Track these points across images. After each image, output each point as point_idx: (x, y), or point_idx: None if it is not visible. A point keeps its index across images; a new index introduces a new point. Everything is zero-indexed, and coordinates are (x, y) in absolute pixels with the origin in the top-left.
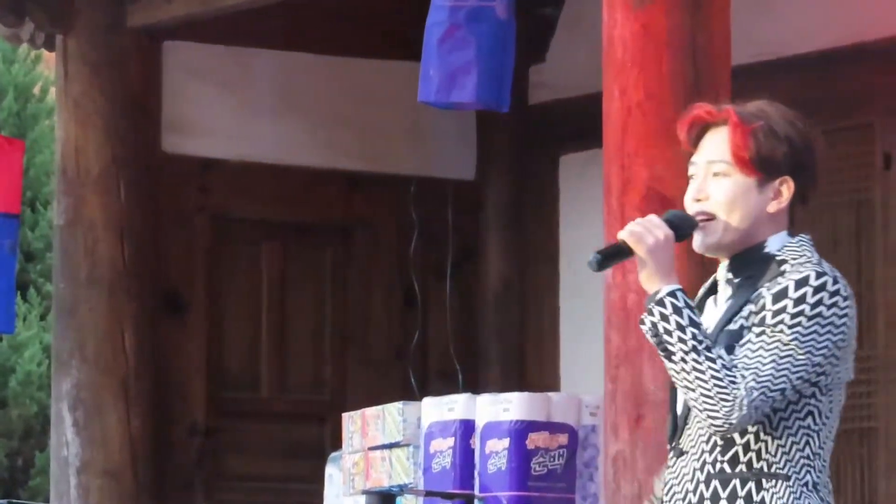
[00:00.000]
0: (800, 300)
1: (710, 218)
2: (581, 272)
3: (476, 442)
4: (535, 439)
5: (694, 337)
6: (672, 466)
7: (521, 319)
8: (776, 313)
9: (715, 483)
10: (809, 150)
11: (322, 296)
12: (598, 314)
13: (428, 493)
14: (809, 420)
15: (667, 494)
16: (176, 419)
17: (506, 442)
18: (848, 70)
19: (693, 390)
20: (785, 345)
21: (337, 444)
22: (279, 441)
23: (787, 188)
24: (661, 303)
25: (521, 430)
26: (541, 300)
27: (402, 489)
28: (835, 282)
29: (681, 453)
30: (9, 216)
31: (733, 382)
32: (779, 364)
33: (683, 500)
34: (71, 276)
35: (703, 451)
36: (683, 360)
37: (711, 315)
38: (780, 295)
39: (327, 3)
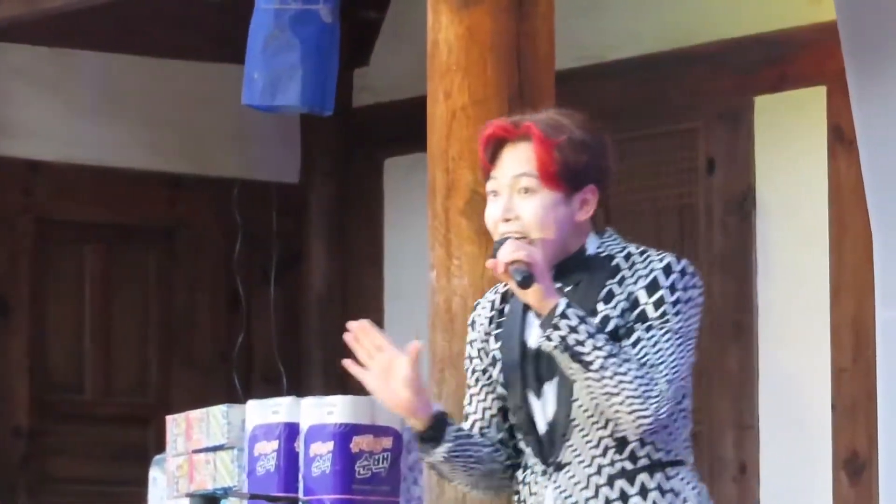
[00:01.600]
0: (672, 287)
1: (524, 237)
2: (405, 276)
3: (300, 445)
4: (359, 442)
5: (606, 342)
6: (554, 482)
7: (344, 322)
8: (656, 305)
9: (619, 483)
10: (607, 154)
11: (146, 298)
12: (423, 318)
13: (252, 496)
14: (685, 402)
15: None
16: None
17: (330, 445)
18: (672, 75)
19: (617, 395)
20: (676, 333)
21: (161, 446)
22: (104, 444)
23: (592, 196)
24: (564, 315)
25: (345, 434)
26: (365, 303)
27: (227, 492)
28: (689, 263)
29: (559, 467)
30: None
31: (653, 379)
32: (678, 352)
33: None
34: None
35: (593, 458)
36: (603, 367)
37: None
38: (653, 287)
39: (151, 6)
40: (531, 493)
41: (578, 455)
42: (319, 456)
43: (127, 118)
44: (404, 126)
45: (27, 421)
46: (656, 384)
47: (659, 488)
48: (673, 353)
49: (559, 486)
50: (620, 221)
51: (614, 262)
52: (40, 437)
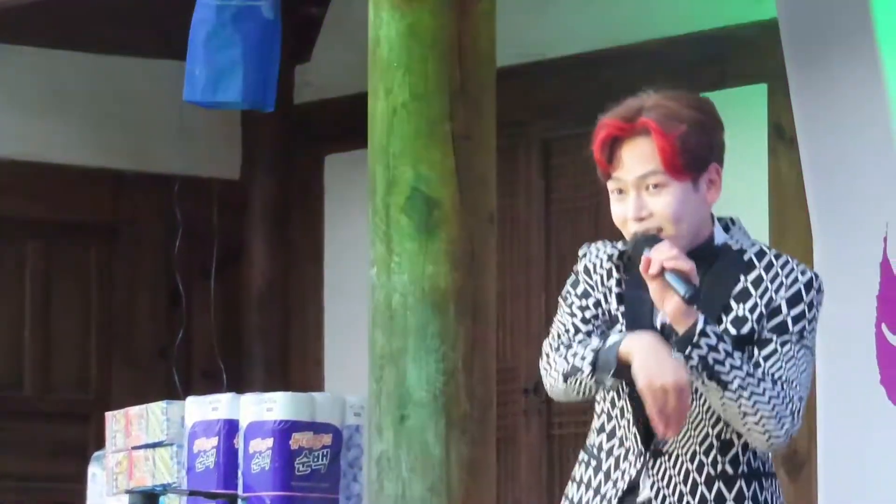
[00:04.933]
0: (811, 305)
1: (661, 231)
2: (345, 272)
3: (240, 442)
4: (298, 439)
5: (741, 360)
6: (653, 468)
7: (285, 319)
8: (796, 320)
9: (718, 484)
10: (720, 127)
11: (87, 295)
12: (363, 314)
13: (191, 493)
14: None
15: (655, 497)
16: None
17: (269, 441)
18: (613, 72)
19: (753, 414)
20: (809, 350)
21: (101, 443)
22: (43, 440)
23: (717, 175)
24: (704, 333)
25: (284, 430)
26: (305, 300)
27: (166, 488)
28: (822, 281)
29: (659, 454)
30: None
31: (787, 398)
32: (808, 371)
33: (679, 501)
34: None
35: (696, 453)
36: (741, 387)
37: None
38: (796, 300)
39: (93, 2)
40: (618, 469)
41: (684, 447)
42: (259, 453)
43: (69, 114)
44: (345, 122)
45: None
46: (791, 402)
47: (754, 498)
48: (805, 370)
49: (658, 474)
50: (563, 217)
51: (747, 257)
52: None
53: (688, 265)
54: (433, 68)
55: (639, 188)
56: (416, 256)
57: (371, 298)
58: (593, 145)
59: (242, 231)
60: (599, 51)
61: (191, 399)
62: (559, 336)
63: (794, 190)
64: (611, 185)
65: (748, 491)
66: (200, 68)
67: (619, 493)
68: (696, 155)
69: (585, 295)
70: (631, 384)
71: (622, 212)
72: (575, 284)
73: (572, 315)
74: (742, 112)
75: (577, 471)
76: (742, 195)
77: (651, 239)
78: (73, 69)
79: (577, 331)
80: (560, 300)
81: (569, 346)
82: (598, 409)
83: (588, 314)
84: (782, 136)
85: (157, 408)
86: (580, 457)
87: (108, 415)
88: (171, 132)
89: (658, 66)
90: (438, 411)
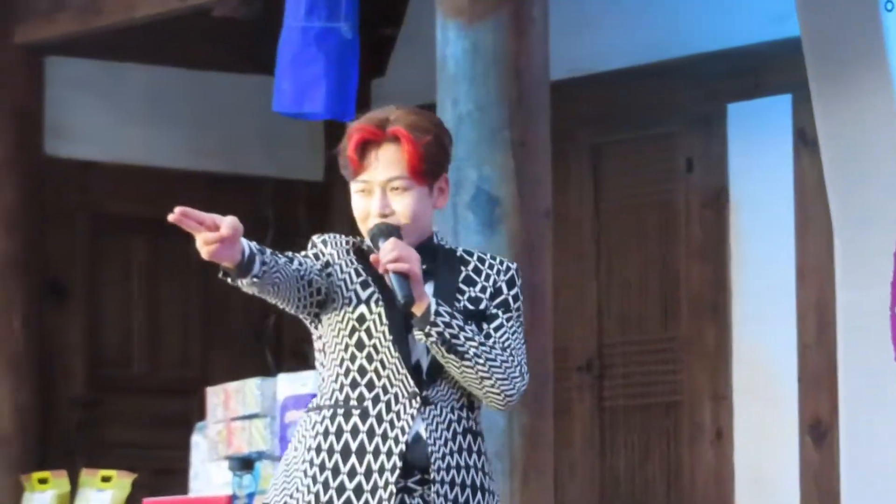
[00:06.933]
0: (521, 288)
1: (396, 227)
2: None
3: None
4: None
5: (473, 333)
6: (423, 413)
7: None
8: (514, 299)
9: (469, 437)
10: (450, 139)
11: (188, 285)
12: None
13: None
14: None
15: (428, 437)
16: (59, 393)
17: None
18: (654, 84)
19: (489, 377)
20: (521, 326)
21: (202, 415)
22: (151, 413)
23: (446, 184)
24: (438, 313)
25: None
26: None
27: (261, 455)
28: None
29: (427, 402)
30: None
31: (515, 361)
32: (524, 343)
33: (445, 445)
34: None
35: (454, 408)
36: (477, 355)
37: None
38: (511, 283)
39: (191, 24)
40: (391, 411)
41: (444, 400)
42: None
43: (170, 123)
44: None
45: (83, 392)
46: (519, 365)
47: (485, 454)
48: (523, 340)
49: (428, 419)
50: (611, 215)
51: (458, 254)
52: (94, 407)
53: (405, 267)
54: (494, 82)
55: (384, 189)
56: (480, 248)
57: None
58: (347, 147)
59: (325, 227)
60: (642, 66)
61: (282, 376)
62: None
63: (816, 188)
64: (356, 185)
65: (483, 446)
66: (287, 83)
67: (406, 427)
68: (435, 163)
69: (315, 257)
70: (393, 335)
71: (365, 207)
72: (306, 251)
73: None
74: (770, 119)
75: (317, 427)
76: (770, 193)
77: (386, 230)
78: (173, 83)
79: (304, 260)
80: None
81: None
82: (339, 370)
83: (306, 259)
84: (806, 141)
85: (252, 384)
86: (313, 418)
87: (209, 390)
88: (261, 139)
89: (693, 79)
90: None
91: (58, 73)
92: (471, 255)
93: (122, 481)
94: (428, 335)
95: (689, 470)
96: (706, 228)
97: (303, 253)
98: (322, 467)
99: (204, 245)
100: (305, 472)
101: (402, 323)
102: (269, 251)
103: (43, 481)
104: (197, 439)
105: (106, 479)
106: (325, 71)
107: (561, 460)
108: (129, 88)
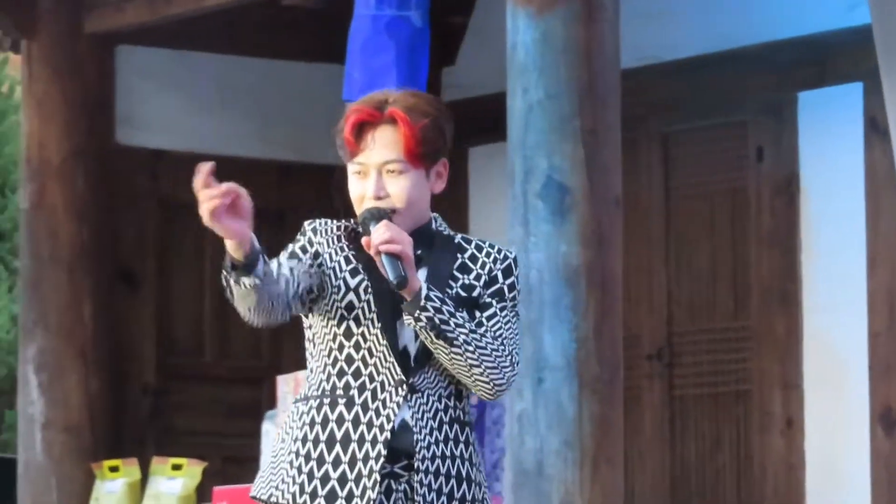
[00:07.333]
0: (518, 278)
1: (392, 210)
2: None
3: None
4: None
5: (464, 320)
6: (409, 401)
7: None
8: (510, 288)
9: (455, 427)
10: (450, 123)
11: None
12: None
13: None
14: None
15: (414, 426)
16: (129, 381)
17: None
18: (725, 73)
19: (478, 365)
20: (517, 316)
21: (272, 403)
22: (221, 401)
23: (444, 169)
24: (429, 298)
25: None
26: None
27: None
28: None
29: (414, 389)
30: None
31: (506, 351)
32: (519, 333)
33: (430, 435)
34: (35, 255)
35: (441, 396)
36: (466, 342)
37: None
38: (508, 272)
39: (260, 12)
40: (377, 399)
41: (432, 389)
42: None
43: (239, 112)
44: (487, 118)
45: (154, 381)
46: (510, 355)
47: (473, 445)
48: (518, 331)
49: (414, 407)
50: (681, 203)
51: (456, 241)
52: (165, 396)
53: (398, 248)
54: (564, 70)
55: (380, 171)
56: (550, 237)
57: None
58: (344, 128)
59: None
60: (711, 54)
61: None
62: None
63: (887, 176)
64: (352, 167)
65: (471, 437)
66: (358, 71)
67: (391, 415)
68: (432, 147)
69: (303, 250)
70: (381, 323)
71: (361, 190)
72: (295, 242)
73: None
74: (841, 108)
75: (303, 418)
76: (840, 182)
77: (377, 214)
78: (242, 72)
79: (286, 261)
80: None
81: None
82: (327, 360)
83: (304, 254)
84: (877, 129)
85: None
86: (300, 409)
87: (280, 378)
88: (331, 128)
89: (764, 67)
90: (572, 374)
91: (128, 62)
92: (469, 242)
93: (193, 469)
94: (417, 320)
95: (759, 459)
96: (777, 217)
97: (289, 248)
98: (307, 457)
99: (206, 201)
100: (291, 462)
101: (390, 311)
102: (273, 263)
103: (114, 469)
104: (267, 427)
105: (176, 468)
106: (395, 59)
107: (631, 449)
108: (199, 77)
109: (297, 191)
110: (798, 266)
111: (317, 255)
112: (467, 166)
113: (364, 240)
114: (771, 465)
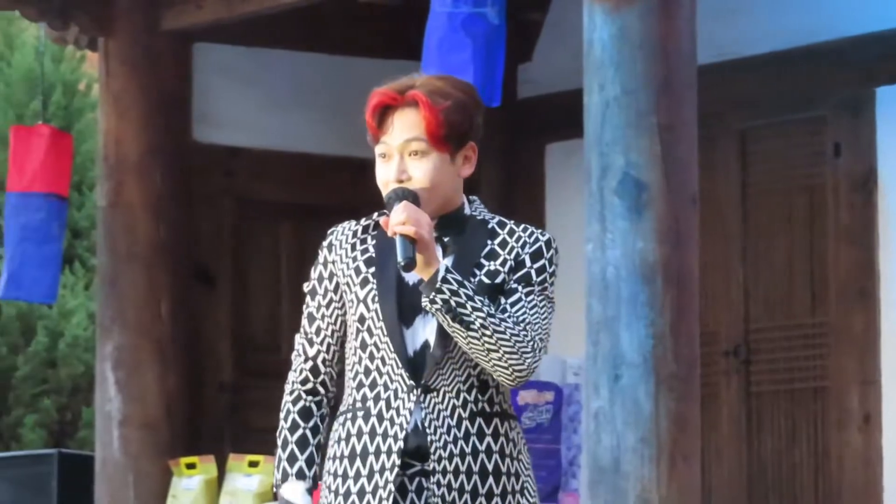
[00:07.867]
0: (551, 261)
1: (414, 194)
2: (565, 248)
3: None
4: (524, 396)
5: (482, 303)
6: (423, 402)
7: None
8: (539, 272)
9: (479, 420)
10: (481, 112)
11: None
12: (580, 285)
13: None
14: None
15: (428, 426)
16: (206, 378)
17: None
18: (802, 69)
19: (496, 350)
20: (549, 300)
21: None
22: None
23: (473, 153)
24: (446, 280)
25: (512, 389)
26: None
27: None
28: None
29: (428, 390)
30: (59, 198)
31: (528, 336)
32: (548, 318)
33: (448, 433)
34: (112, 252)
35: (460, 391)
36: (484, 326)
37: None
38: (537, 255)
39: (336, 9)
40: (391, 408)
41: (448, 385)
42: None
43: (316, 109)
44: (563, 115)
45: (231, 378)
46: (532, 341)
47: (505, 435)
48: (546, 316)
49: (428, 408)
50: (758, 199)
51: (490, 226)
52: (242, 392)
53: (411, 230)
54: (641, 66)
55: (402, 153)
56: (627, 233)
57: (588, 271)
58: (367, 112)
59: None
60: (789, 49)
61: None
62: (303, 339)
63: None
64: (378, 150)
65: (501, 428)
66: (434, 68)
67: (404, 423)
68: (456, 130)
69: (320, 279)
70: (388, 329)
71: (385, 175)
72: (314, 268)
73: (311, 319)
74: None
75: (333, 436)
76: None
77: (402, 194)
78: (318, 69)
79: (312, 343)
80: (305, 290)
81: (300, 372)
82: (350, 374)
83: (325, 296)
84: None
85: None
86: (335, 426)
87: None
88: None
89: (841, 62)
90: (648, 371)
91: (205, 59)
92: (503, 226)
93: (270, 466)
94: (433, 302)
95: (836, 455)
96: (854, 213)
97: (312, 282)
98: (335, 475)
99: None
100: (329, 486)
101: (395, 317)
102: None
103: (191, 466)
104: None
105: (253, 465)
106: (472, 56)
107: (707, 446)
108: (276, 74)
109: (373, 187)
110: (875, 262)
111: (332, 276)
112: (544, 163)
113: (382, 219)
114: (848, 462)
